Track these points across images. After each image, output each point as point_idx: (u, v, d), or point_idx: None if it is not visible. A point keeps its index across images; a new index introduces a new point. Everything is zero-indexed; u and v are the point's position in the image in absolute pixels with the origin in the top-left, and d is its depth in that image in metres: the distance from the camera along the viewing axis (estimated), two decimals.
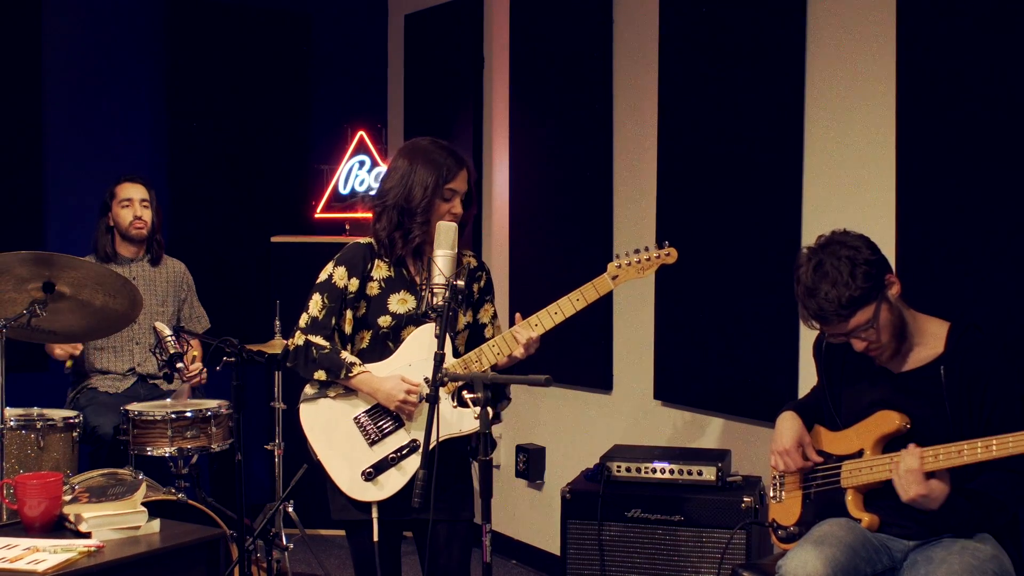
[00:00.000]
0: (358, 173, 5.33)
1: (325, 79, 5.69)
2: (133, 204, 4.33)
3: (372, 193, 4.99)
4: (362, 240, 3.02)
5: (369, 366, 2.91)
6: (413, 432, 2.89)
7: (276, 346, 4.12)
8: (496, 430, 3.37)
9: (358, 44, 5.75)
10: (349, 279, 2.94)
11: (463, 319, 3.01)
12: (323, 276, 2.96)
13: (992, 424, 2.59)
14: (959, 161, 3.12)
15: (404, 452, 2.88)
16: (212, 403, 3.90)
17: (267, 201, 5.49)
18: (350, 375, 2.88)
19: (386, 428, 2.91)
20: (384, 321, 2.93)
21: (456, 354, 2.94)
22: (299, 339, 2.93)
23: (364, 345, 2.97)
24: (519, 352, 2.89)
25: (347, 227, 5.23)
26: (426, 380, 2.86)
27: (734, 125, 3.79)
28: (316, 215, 5.42)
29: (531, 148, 4.73)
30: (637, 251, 2.97)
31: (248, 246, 5.40)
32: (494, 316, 3.10)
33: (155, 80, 5.24)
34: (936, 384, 2.69)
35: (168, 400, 3.95)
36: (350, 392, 2.93)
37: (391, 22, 5.70)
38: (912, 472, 2.55)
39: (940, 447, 2.55)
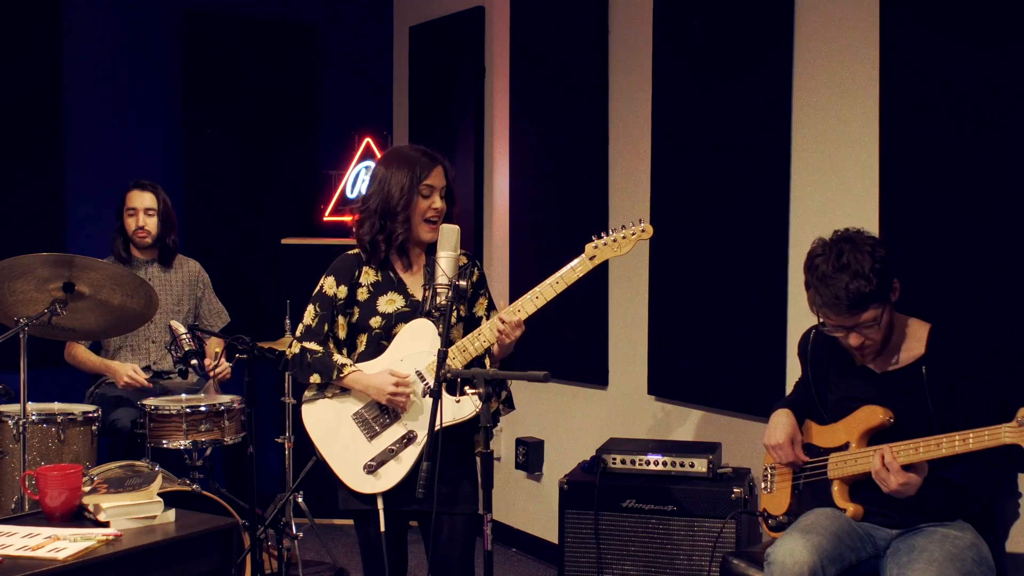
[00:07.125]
0: (364, 178, 5.33)
1: (333, 88, 5.70)
2: (137, 214, 4.34)
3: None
4: (351, 251, 3.08)
5: (362, 364, 2.95)
6: (409, 424, 2.93)
7: (286, 344, 4.13)
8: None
9: (364, 55, 5.76)
10: (338, 287, 3.00)
11: (455, 313, 3.02)
12: (316, 288, 3.04)
13: (971, 420, 2.65)
14: (940, 165, 3.14)
15: (402, 444, 2.92)
16: (225, 398, 3.96)
17: (277, 205, 5.52)
18: (341, 375, 2.92)
19: (383, 422, 2.94)
20: (375, 322, 2.99)
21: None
22: (295, 347, 3.01)
23: (362, 348, 3.02)
24: (500, 337, 2.90)
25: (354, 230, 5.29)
26: (417, 373, 2.94)
27: (725, 130, 3.82)
28: (324, 218, 5.46)
29: (530, 153, 4.75)
30: (614, 229, 2.96)
31: (260, 248, 5.43)
32: (489, 307, 3.12)
33: (171, 90, 5.26)
34: (919, 383, 2.75)
35: (183, 395, 4.00)
36: (346, 391, 2.97)
37: (396, 33, 5.73)
38: (889, 465, 2.62)
39: (920, 440, 2.61)
